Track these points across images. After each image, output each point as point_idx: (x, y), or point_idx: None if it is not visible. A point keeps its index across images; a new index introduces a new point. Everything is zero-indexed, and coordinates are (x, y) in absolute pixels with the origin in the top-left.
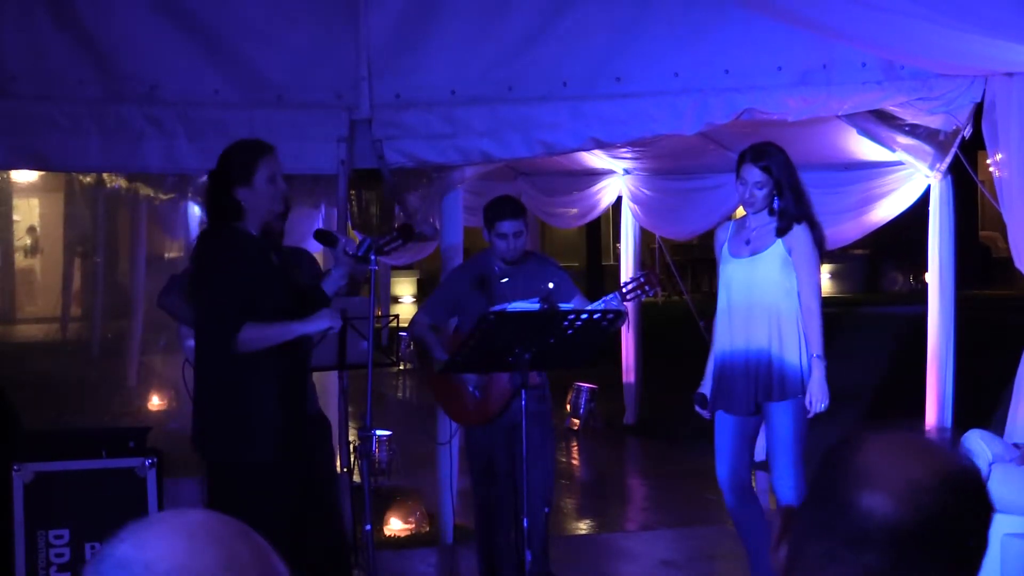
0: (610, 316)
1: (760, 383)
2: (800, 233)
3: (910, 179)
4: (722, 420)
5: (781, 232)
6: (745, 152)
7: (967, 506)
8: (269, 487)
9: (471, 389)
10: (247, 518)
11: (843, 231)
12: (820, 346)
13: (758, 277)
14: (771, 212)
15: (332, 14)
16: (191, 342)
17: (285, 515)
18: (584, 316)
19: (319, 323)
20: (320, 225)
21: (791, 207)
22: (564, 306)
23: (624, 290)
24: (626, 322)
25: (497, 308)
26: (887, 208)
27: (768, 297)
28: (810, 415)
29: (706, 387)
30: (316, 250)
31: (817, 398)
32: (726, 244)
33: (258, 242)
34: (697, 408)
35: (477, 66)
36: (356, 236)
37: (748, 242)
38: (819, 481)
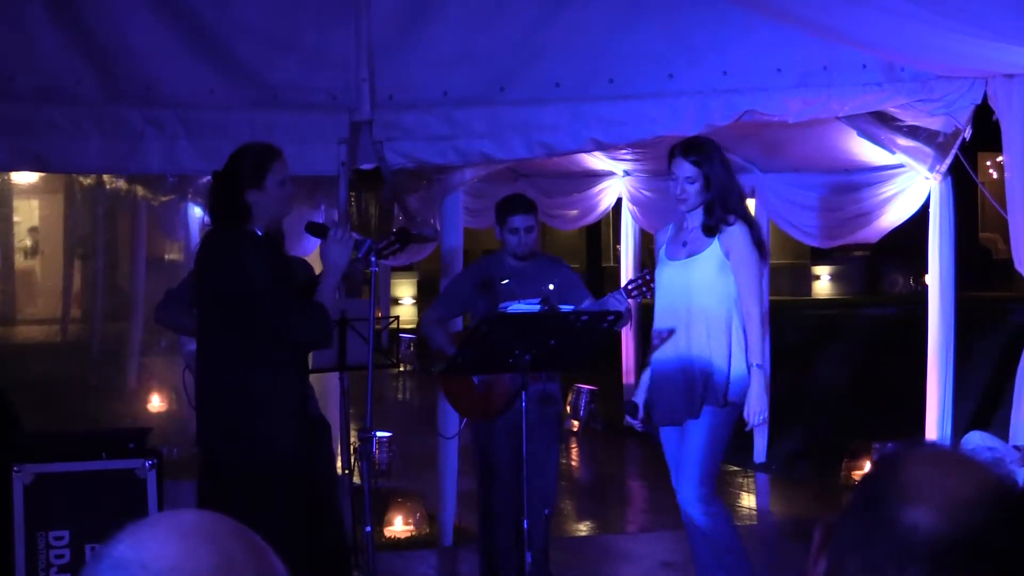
0: (610, 318)
1: (696, 390)
2: (737, 234)
3: (911, 183)
4: (666, 433)
5: (708, 231)
6: (676, 146)
7: (1012, 523)
8: (288, 486)
9: (476, 380)
10: (265, 517)
11: (849, 233)
12: (760, 354)
13: (694, 281)
14: (706, 212)
15: (332, 15)
16: (192, 347)
17: (300, 514)
18: (584, 318)
19: (340, 258)
20: None
21: (718, 204)
22: (564, 308)
23: (629, 287)
24: (629, 323)
25: (501, 307)
26: (893, 214)
27: (704, 301)
28: (748, 427)
29: (639, 396)
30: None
31: (755, 410)
32: (664, 246)
33: (270, 241)
34: (628, 418)
35: (471, 67)
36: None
37: (685, 244)
38: (862, 494)
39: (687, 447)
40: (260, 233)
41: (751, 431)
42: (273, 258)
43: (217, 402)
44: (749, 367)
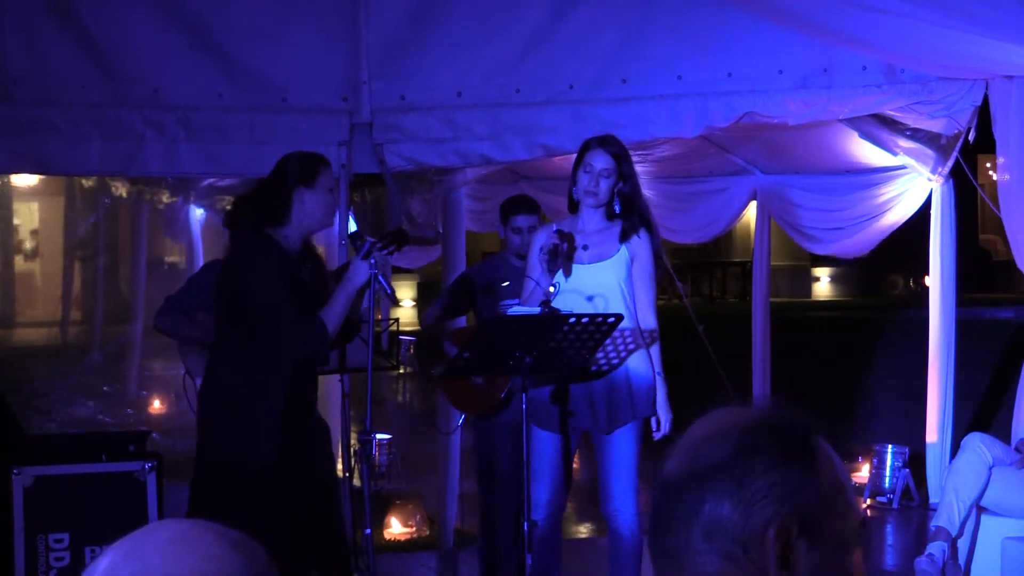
0: (611, 319)
1: (611, 403)
2: (644, 241)
3: (912, 184)
4: (544, 440)
5: (626, 235)
6: (591, 139)
7: (748, 449)
8: (268, 489)
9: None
10: (244, 519)
11: (853, 242)
12: (660, 363)
13: (603, 286)
14: (610, 215)
15: (333, 18)
16: (192, 354)
17: (284, 518)
18: (584, 320)
19: (358, 276)
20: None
21: (636, 207)
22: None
23: None
24: None
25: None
26: (893, 215)
27: (612, 308)
28: (657, 436)
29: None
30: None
31: (666, 419)
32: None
33: (289, 255)
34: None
35: (482, 70)
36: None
37: (586, 247)
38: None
39: (618, 456)
40: (295, 237)
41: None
42: (285, 268)
43: (204, 400)
44: (656, 376)
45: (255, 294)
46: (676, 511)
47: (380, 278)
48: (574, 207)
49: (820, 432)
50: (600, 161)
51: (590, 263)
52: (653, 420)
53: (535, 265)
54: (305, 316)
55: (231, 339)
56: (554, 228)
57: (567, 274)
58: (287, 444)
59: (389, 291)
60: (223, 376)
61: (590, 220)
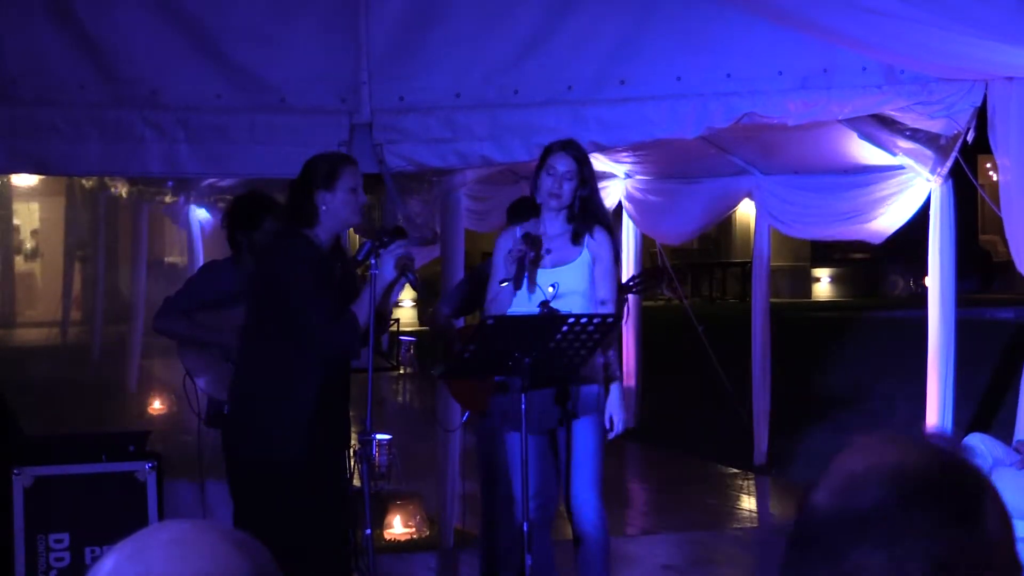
0: (609, 320)
1: (574, 398)
2: (604, 241)
3: (911, 184)
4: (517, 442)
5: (580, 236)
6: (553, 143)
7: (911, 502)
8: (300, 486)
9: None
10: (272, 516)
11: (846, 233)
12: (617, 365)
13: (565, 290)
14: (569, 217)
15: (333, 18)
16: (189, 356)
17: (301, 516)
18: (584, 319)
19: (386, 271)
20: None
21: (591, 209)
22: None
23: (630, 283)
24: (626, 317)
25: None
26: (891, 216)
27: (575, 310)
28: (612, 435)
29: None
30: None
31: (620, 418)
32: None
33: (322, 254)
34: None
35: (481, 71)
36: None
37: (549, 251)
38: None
39: (578, 453)
40: (325, 237)
41: (749, 431)
42: (318, 264)
43: (235, 398)
44: (610, 375)
45: (287, 292)
46: (818, 550)
47: (409, 275)
48: (538, 210)
49: (990, 487)
50: (563, 164)
51: (552, 267)
52: (607, 420)
53: (500, 268)
54: (337, 312)
55: (264, 337)
56: (519, 233)
57: (531, 282)
58: (320, 443)
59: (414, 283)
60: (255, 374)
61: (551, 224)
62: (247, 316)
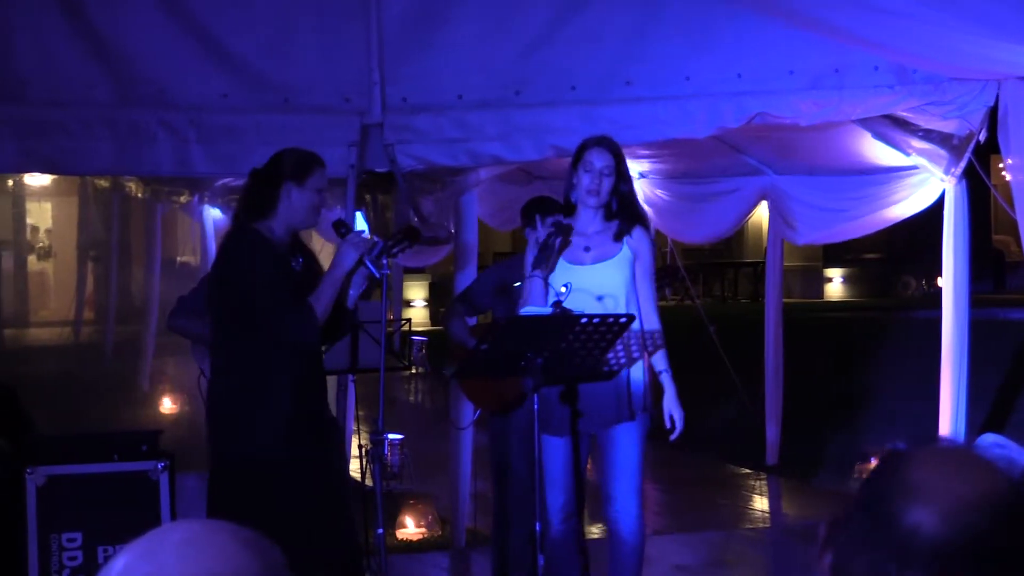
0: (623, 320)
1: (623, 397)
2: (644, 238)
3: (925, 184)
4: (555, 446)
5: (622, 233)
6: (589, 139)
7: (1014, 526)
8: (280, 484)
9: None
10: (258, 514)
11: (857, 227)
12: (667, 362)
13: (607, 287)
14: (607, 215)
15: (342, 18)
16: (204, 355)
17: (293, 513)
18: (596, 320)
19: (345, 259)
20: None
21: (630, 206)
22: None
23: None
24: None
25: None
26: (901, 209)
27: (623, 308)
28: (674, 436)
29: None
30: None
31: (679, 415)
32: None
33: (275, 246)
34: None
35: (485, 70)
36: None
37: (588, 248)
38: (867, 491)
39: (620, 457)
40: (280, 231)
41: (760, 433)
42: (268, 258)
43: (211, 398)
44: (659, 373)
45: (240, 285)
46: (920, 568)
47: (367, 261)
48: (570, 209)
49: None
50: (600, 160)
51: (594, 263)
52: (667, 419)
53: (529, 267)
54: (294, 303)
55: (229, 336)
56: (550, 221)
57: (550, 270)
58: (299, 439)
59: (377, 274)
60: (227, 373)
61: (589, 221)
62: (211, 316)
